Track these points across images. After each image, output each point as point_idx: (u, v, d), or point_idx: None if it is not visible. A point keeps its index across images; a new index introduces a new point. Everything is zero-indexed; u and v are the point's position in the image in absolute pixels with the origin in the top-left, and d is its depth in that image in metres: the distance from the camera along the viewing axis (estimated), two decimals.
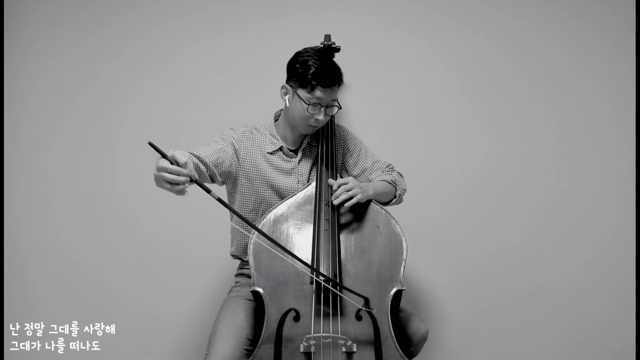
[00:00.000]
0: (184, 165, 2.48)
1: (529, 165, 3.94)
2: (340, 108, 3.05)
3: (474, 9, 3.96)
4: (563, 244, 3.93)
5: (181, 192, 2.52)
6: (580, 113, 3.94)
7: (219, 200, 2.56)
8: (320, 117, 3.00)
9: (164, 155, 2.48)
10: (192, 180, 2.51)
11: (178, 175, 2.47)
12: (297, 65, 2.98)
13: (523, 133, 3.95)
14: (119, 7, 3.98)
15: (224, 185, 3.19)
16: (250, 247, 2.86)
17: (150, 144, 2.43)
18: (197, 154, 2.88)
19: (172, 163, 2.48)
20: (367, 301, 2.76)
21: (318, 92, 2.94)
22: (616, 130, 3.93)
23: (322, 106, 2.98)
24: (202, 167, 2.88)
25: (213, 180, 3.00)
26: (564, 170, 3.94)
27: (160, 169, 2.46)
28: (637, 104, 3.90)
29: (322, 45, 3.34)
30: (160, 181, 2.50)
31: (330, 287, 2.74)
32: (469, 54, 3.97)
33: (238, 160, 3.10)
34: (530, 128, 3.95)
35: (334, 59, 3.08)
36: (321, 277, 2.74)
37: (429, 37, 3.97)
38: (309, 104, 2.96)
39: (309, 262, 2.83)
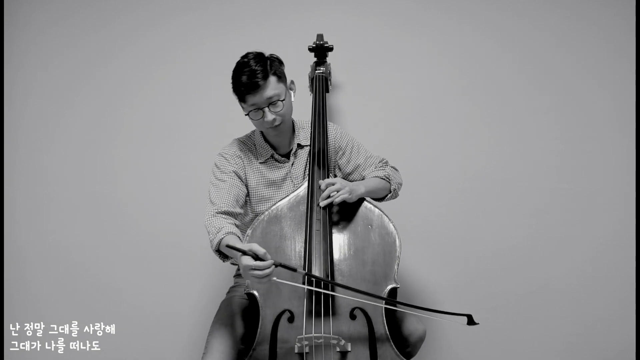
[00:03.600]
0: (264, 256, 2.54)
1: (529, 165, 3.93)
2: (283, 101, 3.02)
3: (474, 8, 3.96)
4: (563, 244, 3.92)
5: (269, 281, 2.59)
6: (580, 113, 3.93)
7: (307, 274, 2.69)
8: (268, 117, 2.98)
9: (243, 252, 2.54)
10: (276, 266, 2.57)
11: (266, 269, 2.54)
12: (231, 80, 3.02)
13: (523, 133, 3.94)
14: (119, 7, 4.00)
15: None
16: None
17: (228, 246, 2.60)
18: (223, 209, 2.93)
19: (254, 258, 2.54)
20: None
21: (249, 98, 2.95)
22: (616, 130, 3.92)
23: (261, 108, 2.97)
24: (236, 222, 2.95)
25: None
26: (564, 170, 3.93)
27: (246, 269, 2.54)
28: (637, 104, 3.89)
29: (314, 45, 3.33)
30: (249, 277, 2.58)
31: (318, 289, 2.74)
32: (469, 54, 3.96)
33: (242, 182, 3.12)
34: (531, 128, 3.94)
35: (253, 57, 3.01)
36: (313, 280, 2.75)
37: (428, 37, 3.97)
38: (247, 114, 3.00)
39: (302, 263, 2.84)
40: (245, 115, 3.02)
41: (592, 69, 3.94)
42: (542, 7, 3.95)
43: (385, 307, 2.81)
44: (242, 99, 2.96)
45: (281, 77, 3.02)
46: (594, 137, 3.93)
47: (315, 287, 2.74)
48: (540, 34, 3.96)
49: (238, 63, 3.00)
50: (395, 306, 2.87)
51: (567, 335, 3.91)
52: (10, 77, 3.95)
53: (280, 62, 3.06)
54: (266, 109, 2.96)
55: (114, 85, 3.98)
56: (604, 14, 3.93)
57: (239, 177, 3.09)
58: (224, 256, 2.84)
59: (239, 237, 2.80)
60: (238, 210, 2.98)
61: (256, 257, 2.52)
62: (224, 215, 2.89)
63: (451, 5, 3.96)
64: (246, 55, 3.03)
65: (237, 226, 2.90)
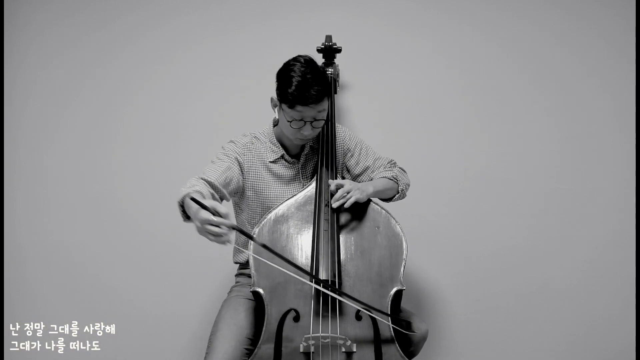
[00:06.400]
0: (225, 216, 2.49)
1: (529, 165, 3.94)
2: (327, 121, 3.02)
3: (475, 9, 3.96)
4: (563, 244, 3.93)
5: (224, 242, 2.53)
6: (580, 113, 3.94)
7: (263, 245, 2.61)
8: (306, 132, 2.96)
9: (204, 207, 2.49)
10: (233, 228, 2.52)
11: (222, 226, 2.48)
12: (281, 80, 2.93)
13: (523, 133, 3.95)
14: (119, 7, 3.99)
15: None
16: (250, 247, 2.86)
17: (192, 199, 2.50)
18: (208, 179, 2.89)
19: (213, 214, 2.48)
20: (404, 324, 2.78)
21: (299, 109, 2.89)
22: (616, 130, 3.93)
23: (305, 122, 2.94)
24: (214, 193, 2.89)
25: (222, 200, 3.00)
26: (564, 170, 3.93)
27: (204, 222, 2.48)
28: (637, 104, 3.90)
29: (323, 46, 3.32)
30: (204, 233, 2.52)
31: (329, 292, 2.74)
32: (469, 54, 3.96)
33: (243, 174, 3.10)
34: (531, 128, 3.95)
35: (320, 71, 2.95)
36: (321, 283, 2.75)
37: (430, 37, 3.97)
38: (290, 121, 2.94)
39: (309, 263, 2.84)
40: (288, 122, 2.94)
41: (592, 69, 3.95)
42: (542, 7, 3.96)
43: (390, 309, 2.82)
44: (290, 105, 2.89)
45: (330, 95, 3.01)
46: (594, 137, 3.93)
47: (319, 286, 2.74)
48: (540, 34, 3.96)
49: (294, 67, 2.91)
50: (398, 315, 2.88)
51: (567, 335, 3.92)
52: (10, 77, 3.93)
53: (332, 78, 3.05)
54: (308, 123, 2.94)
55: (114, 85, 3.97)
56: (604, 14, 3.94)
57: (240, 166, 3.08)
58: (186, 216, 2.77)
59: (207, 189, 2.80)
60: (222, 190, 2.95)
61: (216, 214, 2.48)
62: (205, 183, 2.87)
63: (453, 6, 3.96)
64: (299, 60, 2.95)
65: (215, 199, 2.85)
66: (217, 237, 2.50)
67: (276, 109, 3.03)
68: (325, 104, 2.94)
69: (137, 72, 3.98)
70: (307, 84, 2.85)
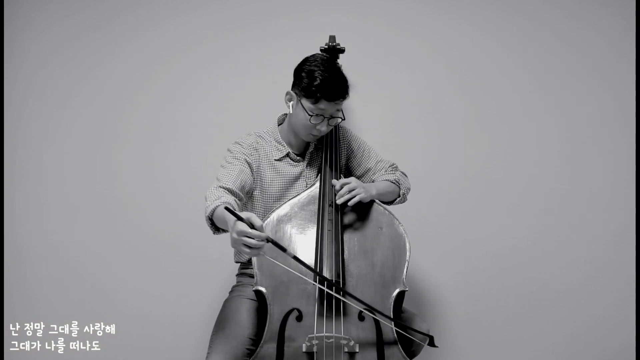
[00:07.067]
0: (260, 228, 2.48)
1: (529, 165, 3.95)
2: (343, 119, 3.04)
3: (475, 9, 3.97)
4: (563, 244, 3.93)
5: (258, 254, 2.53)
6: (580, 113, 3.95)
7: (295, 258, 2.60)
8: (323, 127, 2.99)
9: (240, 219, 2.48)
10: (268, 241, 2.52)
11: (258, 239, 2.47)
12: (303, 74, 2.95)
13: (523, 133, 3.96)
14: (119, 7, 3.98)
15: None
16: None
17: (228, 209, 2.48)
18: (226, 186, 2.88)
19: (250, 226, 2.48)
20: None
21: (322, 105, 2.92)
22: (616, 130, 3.94)
23: (324, 117, 2.96)
24: (237, 201, 2.89)
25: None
26: (564, 170, 3.94)
27: (240, 234, 2.46)
28: (637, 104, 3.91)
29: (326, 46, 3.33)
30: (239, 245, 2.50)
31: (333, 293, 2.74)
32: (469, 54, 3.97)
33: (253, 174, 3.10)
34: (531, 128, 3.96)
35: (341, 70, 3.01)
36: (324, 282, 2.74)
37: (431, 38, 3.98)
38: (311, 115, 2.95)
39: (312, 263, 2.84)
40: (307, 114, 2.96)
41: (592, 69, 3.96)
42: (542, 7, 3.97)
43: (392, 309, 2.82)
44: (313, 100, 2.92)
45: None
46: (594, 137, 3.94)
47: (324, 286, 2.74)
48: (540, 34, 3.97)
49: (318, 62, 2.96)
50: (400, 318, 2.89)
51: (567, 335, 3.92)
52: (10, 77, 3.92)
53: None
54: (326, 120, 2.97)
55: (114, 85, 3.97)
56: (604, 14, 3.95)
57: (250, 167, 3.07)
58: (215, 228, 2.77)
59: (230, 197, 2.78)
60: (241, 194, 2.94)
61: (252, 227, 2.48)
62: (226, 191, 2.85)
63: (454, 6, 3.97)
64: (320, 57, 3.01)
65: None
66: (252, 250, 2.50)
67: (291, 104, 3.04)
68: (343, 103, 2.99)
69: (137, 72, 3.97)
70: (333, 80, 2.91)
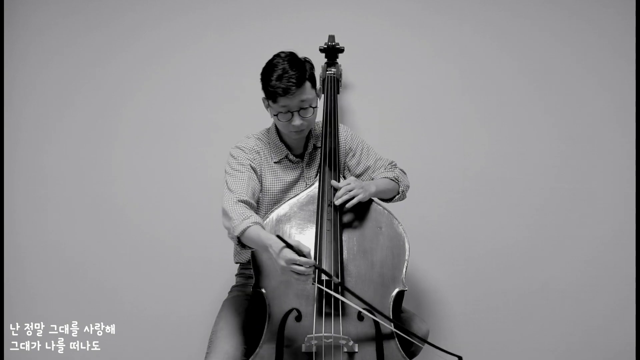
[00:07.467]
0: (308, 255, 2.52)
1: (529, 165, 3.94)
2: (315, 107, 3.02)
3: (475, 9, 3.97)
4: (563, 244, 3.93)
5: (307, 281, 2.59)
6: (580, 113, 3.95)
7: (340, 284, 2.67)
8: (297, 122, 2.97)
9: (289, 246, 2.52)
10: (315, 268, 2.56)
11: (306, 265, 2.51)
12: (261, 79, 2.98)
13: (523, 133, 3.95)
14: (119, 7, 3.99)
15: None
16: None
17: (279, 237, 2.53)
18: (244, 199, 2.88)
19: (298, 254, 2.52)
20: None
21: (282, 101, 2.91)
22: (616, 130, 3.93)
23: (291, 112, 2.96)
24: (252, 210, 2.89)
25: None
26: (564, 170, 3.94)
27: (289, 262, 2.51)
28: (637, 104, 3.90)
29: (325, 46, 3.32)
30: (287, 272, 2.55)
31: (332, 292, 2.73)
32: (469, 54, 3.97)
33: (258, 180, 3.11)
34: (531, 128, 3.95)
35: (294, 60, 2.98)
36: (325, 280, 2.74)
37: (431, 37, 3.98)
38: (276, 115, 2.97)
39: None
40: (274, 115, 2.99)
41: (592, 69, 3.95)
42: (542, 7, 3.97)
43: (392, 309, 2.82)
44: (273, 100, 2.93)
45: (313, 83, 3.01)
46: (594, 137, 3.94)
47: (327, 288, 2.73)
48: (540, 34, 3.97)
49: (272, 63, 2.97)
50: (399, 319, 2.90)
51: (567, 335, 3.91)
52: (10, 77, 3.93)
53: (312, 66, 3.04)
54: (296, 114, 2.95)
55: (114, 85, 3.97)
56: (604, 14, 3.95)
57: (255, 172, 3.08)
58: (242, 245, 2.79)
59: (263, 229, 2.77)
60: (254, 203, 2.96)
61: (299, 254, 2.52)
62: (246, 205, 2.86)
63: (454, 6, 3.97)
64: (279, 55, 3.00)
65: None
66: (300, 276, 2.54)
67: (269, 109, 3.04)
68: (307, 92, 2.96)
69: (137, 72, 3.98)
70: (282, 74, 2.89)
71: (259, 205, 3.13)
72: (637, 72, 3.89)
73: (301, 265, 2.50)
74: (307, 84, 2.95)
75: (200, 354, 3.01)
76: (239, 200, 2.85)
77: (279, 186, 3.13)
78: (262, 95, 3.04)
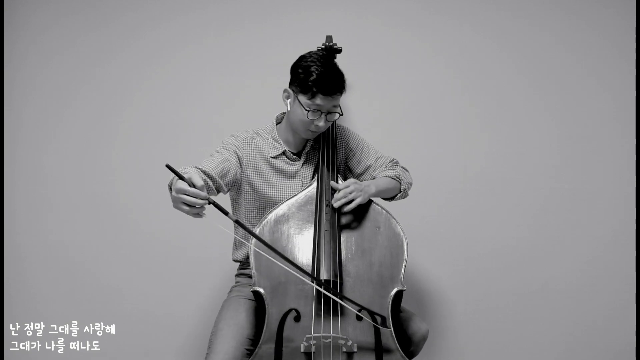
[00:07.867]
0: (201, 188, 2.51)
1: (529, 165, 3.94)
2: (341, 114, 3.04)
3: (475, 9, 3.96)
4: (563, 244, 3.93)
5: (199, 215, 2.55)
6: (580, 113, 3.95)
7: (236, 222, 2.63)
8: (321, 123, 2.98)
9: (181, 177, 2.51)
10: (209, 202, 2.52)
11: (196, 197, 2.49)
12: (300, 70, 2.95)
13: (523, 133, 3.95)
14: (119, 7, 3.98)
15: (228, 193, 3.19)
16: (251, 247, 2.85)
17: (168, 167, 2.49)
18: (203, 168, 2.88)
19: (190, 185, 2.50)
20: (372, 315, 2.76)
21: (318, 100, 2.92)
22: (616, 130, 3.93)
23: (322, 113, 2.96)
24: (209, 182, 2.88)
25: (219, 192, 3.00)
26: (564, 170, 3.94)
27: (179, 191, 2.50)
28: (637, 104, 3.90)
29: (323, 47, 3.33)
30: (178, 203, 2.54)
31: (330, 295, 2.74)
32: (469, 54, 3.97)
33: (241, 167, 3.09)
34: (531, 128, 3.95)
35: (337, 65, 3.03)
36: (322, 286, 2.74)
37: (430, 37, 3.97)
38: (308, 110, 2.95)
39: (310, 263, 2.84)
40: (302, 108, 2.96)
41: (592, 69, 3.95)
42: (542, 7, 3.96)
43: (391, 309, 2.81)
44: (310, 95, 2.93)
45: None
46: (594, 137, 3.94)
47: (321, 287, 2.74)
48: (540, 34, 3.97)
49: (316, 57, 2.97)
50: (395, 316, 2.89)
51: (567, 335, 3.92)
52: (10, 77, 3.93)
53: None
54: (324, 115, 2.97)
55: (114, 85, 3.96)
56: (604, 14, 3.94)
57: (239, 159, 3.08)
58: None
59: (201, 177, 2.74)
60: (219, 180, 2.93)
61: (193, 186, 2.50)
62: (199, 170, 2.85)
63: (453, 6, 3.97)
64: (320, 54, 3.02)
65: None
66: (191, 209, 2.52)
67: (288, 101, 3.03)
68: (340, 98, 3.00)
69: (137, 72, 3.97)
70: (329, 74, 2.92)
71: (251, 198, 3.14)
72: (637, 72, 3.89)
73: (190, 196, 2.48)
74: (344, 90, 3.01)
75: (200, 354, 3.02)
76: (195, 166, 2.86)
77: (274, 180, 3.13)
78: (285, 87, 3.04)
